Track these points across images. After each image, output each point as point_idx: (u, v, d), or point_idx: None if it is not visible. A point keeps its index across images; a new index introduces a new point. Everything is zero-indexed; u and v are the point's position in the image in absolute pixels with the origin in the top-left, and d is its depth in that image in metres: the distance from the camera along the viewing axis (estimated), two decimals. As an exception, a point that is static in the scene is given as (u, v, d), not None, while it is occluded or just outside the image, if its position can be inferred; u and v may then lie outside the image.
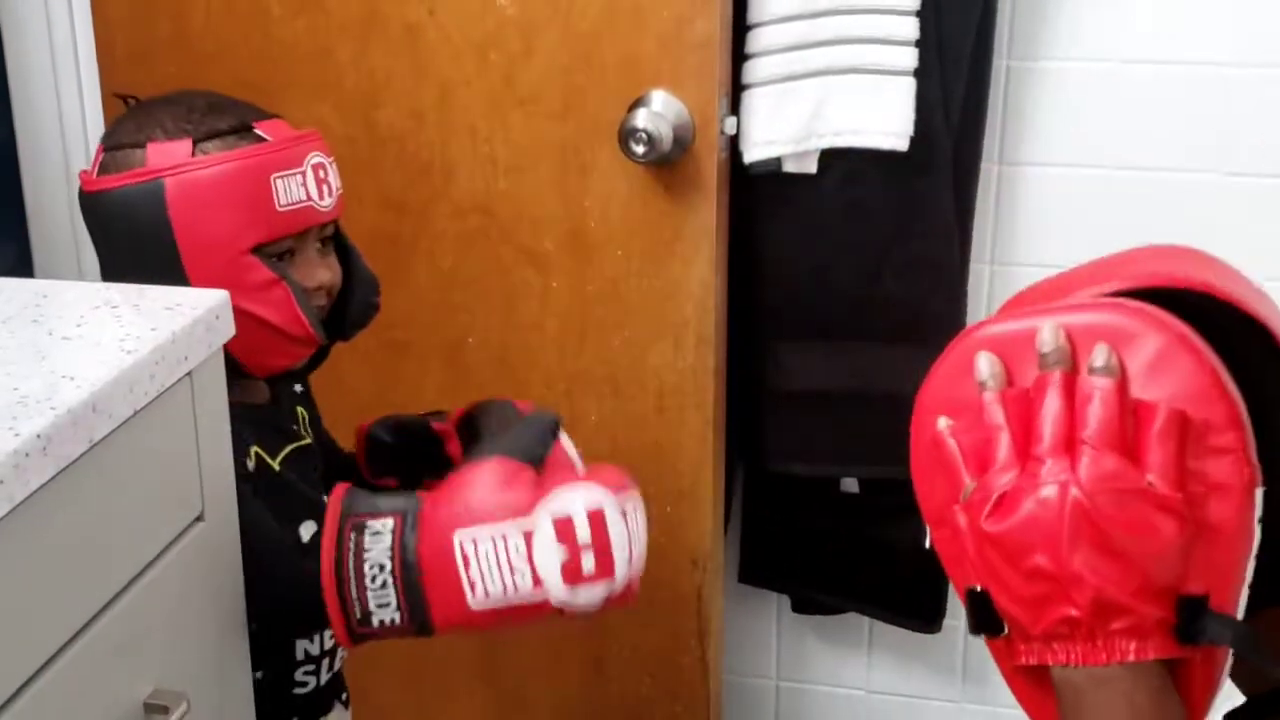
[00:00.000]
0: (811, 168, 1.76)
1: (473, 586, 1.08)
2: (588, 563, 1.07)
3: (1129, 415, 0.84)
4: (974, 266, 1.88)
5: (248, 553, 1.16)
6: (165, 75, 1.83)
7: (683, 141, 1.67)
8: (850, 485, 1.97)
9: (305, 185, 1.24)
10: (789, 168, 1.76)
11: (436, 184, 1.79)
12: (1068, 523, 0.82)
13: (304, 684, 1.36)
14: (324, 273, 1.30)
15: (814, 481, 1.93)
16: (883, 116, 1.72)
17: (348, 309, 1.34)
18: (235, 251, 1.21)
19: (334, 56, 1.77)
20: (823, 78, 1.71)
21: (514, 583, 1.07)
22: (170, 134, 1.23)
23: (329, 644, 1.37)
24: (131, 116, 1.27)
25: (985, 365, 0.88)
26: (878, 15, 1.68)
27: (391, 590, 1.08)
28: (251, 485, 1.24)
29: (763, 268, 1.83)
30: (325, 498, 1.18)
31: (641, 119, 1.65)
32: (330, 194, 1.27)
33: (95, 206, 1.25)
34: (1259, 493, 0.86)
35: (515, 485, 1.09)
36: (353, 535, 1.09)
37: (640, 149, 1.65)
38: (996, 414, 0.86)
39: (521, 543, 1.07)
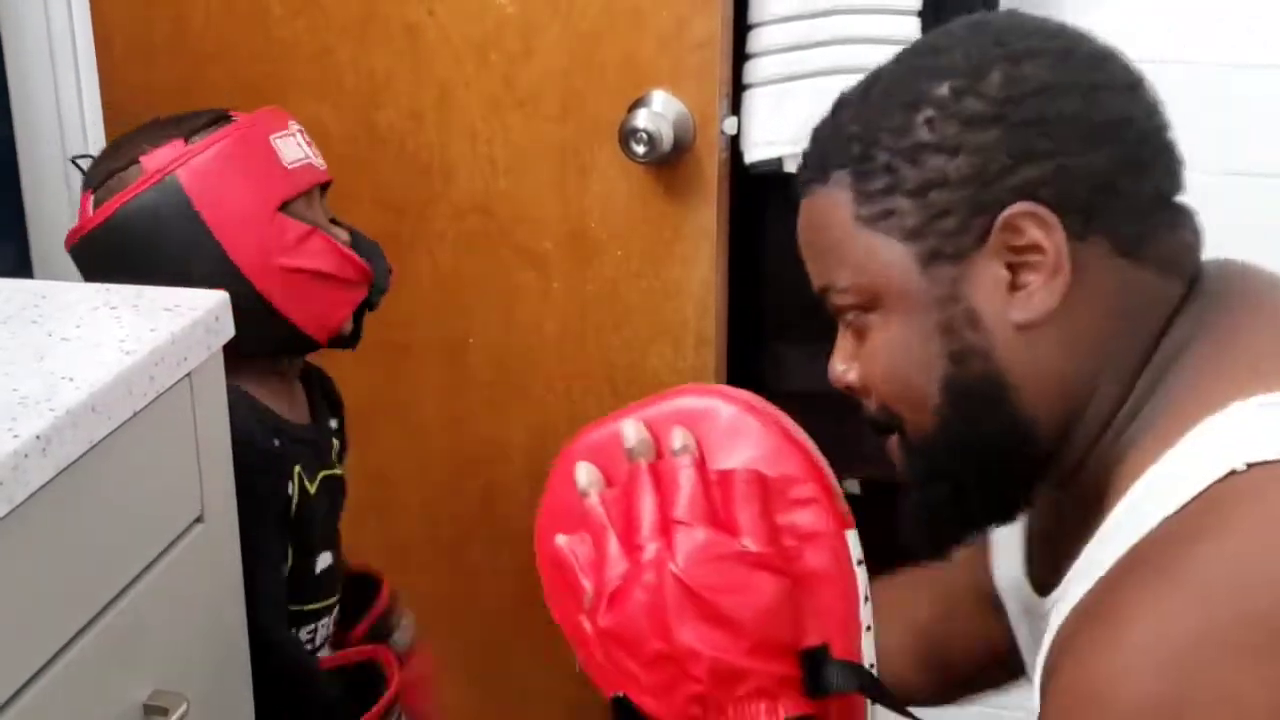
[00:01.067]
0: (812, 168, 1.76)
1: None
2: None
3: (713, 487, 0.87)
4: (974, 267, 1.87)
5: (274, 665, 1.22)
6: (164, 75, 1.82)
7: (683, 142, 1.67)
8: (852, 487, 1.96)
9: (300, 145, 1.28)
10: (790, 168, 1.75)
11: (436, 184, 1.78)
12: (670, 599, 0.83)
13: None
14: (340, 232, 1.32)
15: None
16: (883, 117, 1.72)
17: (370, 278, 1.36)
18: (266, 214, 1.23)
19: (333, 56, 1.77)
20: (823, 78, 1.71)
21: None
22: (157, 143, 1.25)
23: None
24: (103, 157, 1.29)
25: (584, 474, 0.91)
26: (878, 15, 1.68)
27: None
28: (287, 514, 1.28)
29: (763, 268, 1.83)
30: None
31: (642, 119, 1.65)
32: (319, 156, 1.31)
33: (110, 233, 1.24)
34: (851, 535, 0.89)
35: None
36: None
37: (640, 149, 1.65)
38: (600, 515, 0.88)
39: None
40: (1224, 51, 1.78)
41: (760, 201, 1.80)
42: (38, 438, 0.85)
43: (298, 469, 1.30)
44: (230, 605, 1.16)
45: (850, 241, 0.93)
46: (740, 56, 1.72)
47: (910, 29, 1.68)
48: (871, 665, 0.88)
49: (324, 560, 1.34)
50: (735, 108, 1.73)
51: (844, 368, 0.97)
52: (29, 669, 0.89)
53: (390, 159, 1.79)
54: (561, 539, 0.90)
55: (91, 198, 1.28)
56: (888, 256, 0.91)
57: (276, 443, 1.27)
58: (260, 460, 1.22)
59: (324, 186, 1.32)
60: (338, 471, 1.38)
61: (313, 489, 1.32)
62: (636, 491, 0.87)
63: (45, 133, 2.01)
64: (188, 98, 1.82)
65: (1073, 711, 0.78)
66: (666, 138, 1.65)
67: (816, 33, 1.70)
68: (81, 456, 0.90)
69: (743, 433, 0.90)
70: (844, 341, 0.98)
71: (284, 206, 1.24)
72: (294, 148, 1.27)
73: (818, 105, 1.73)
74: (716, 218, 1.71)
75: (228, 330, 1.10)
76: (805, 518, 0.88)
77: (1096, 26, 1.89)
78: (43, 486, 0.86)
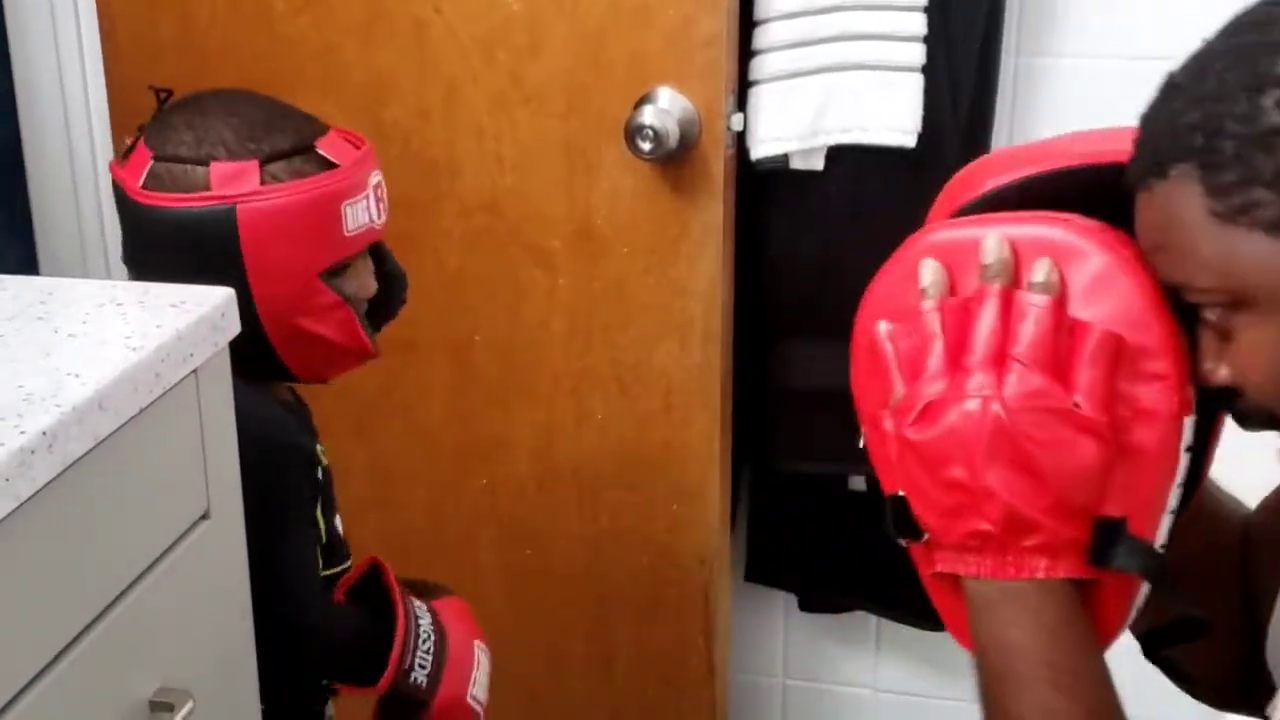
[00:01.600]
0: (818, 164, 1.76)
1: (476, 686, 1.33)
2: None
3: (1064, 333, 0.84)
4: (981, 264, 1.87)
5: (280, 586, 1.22)
6: (170, 73, 1.82)
7: (689, 139, 1.67)
8: (858, 483, 1.96)
9: (369, 209, 1.25)
10: (796, 165, 1.75)
11: (443, 182, 1.78)
12: (986, 437, 0.82)
13: None
14: (372, 281, 1.31)
15: (821, 479, 1.93)
16: (890, 113, 1.71)
17: (380, 304, 1.35)
18: (306, 277, 1.21)
19: (340, 54, 1.77)
20: (829, 74, 1.71)
21: None
22: (234, 154, 1.21)
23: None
24: (184, 124, 1.23)
25: (928, 273, 0.88)
26: (885, 11, 1.68)
27: (430, 658, 1.28)
28: (321, 488, 1.30)
29: (770, 265, 1.83)
30: None
31: (648, 116, 1.65)
32: (385, 210, 1.29)
33: (149, 218, 1.22)
34: (1188, 422, 0.86)
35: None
36: (408, 601, 1.30)
37: (647, 146, 1.65)
38: (933, 323, 0.86)
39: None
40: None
41: (766, 198, 1.79)
42: (44, 434, 0.85)
43: (319, 448, 1.32)
44: (236, 601, 1.16)
45: (1207, 239, 0.84)
46: (746, 53, 1.72)
47: (916, 24, 1.68)
48: (1162, 547, 0.86)
49: (339, 523, 1.37)
50: (741, 104, 1.73)
51: (1213, 365, 0.89)
52: (36, 665, 0.89)
53: (397, 157, 1.78)
54: (884, 326, 0.89)
55: (150, 159, 1.23)
56: (1253, 252, 0.83)
57: (305, 439, 1.29)
58: (298, 457, 1.25)
59: None
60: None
61: (326, 460, 1.34)
62: (981, 312, 0.85)
63: (51, 131, 2.01)
64: (194, 95, 1.82)
65: None
66: (673, 135, 1.64)
67: (822, 29, 1.70)
68: (88, 453, 0.90)
69: (1112, 286, 0.85)
70: (1208, 340, 0.89)
71: (325, 272, 1.22)
72: (361, 212, 1.24)
73: (823, 101, 1.75)
74: (723, 214, 1.71)
75: (234, 327, 1.09)
76: (1148, 393, 0.85)
77: (1105, 22, 1.89)
78: (49, 483, 0.86)
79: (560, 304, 1.79)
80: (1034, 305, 0.84)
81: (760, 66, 1.72)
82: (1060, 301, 0.85)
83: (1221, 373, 0.88)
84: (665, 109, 1.65)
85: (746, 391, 1.87)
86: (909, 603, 1.99)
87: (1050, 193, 0.93)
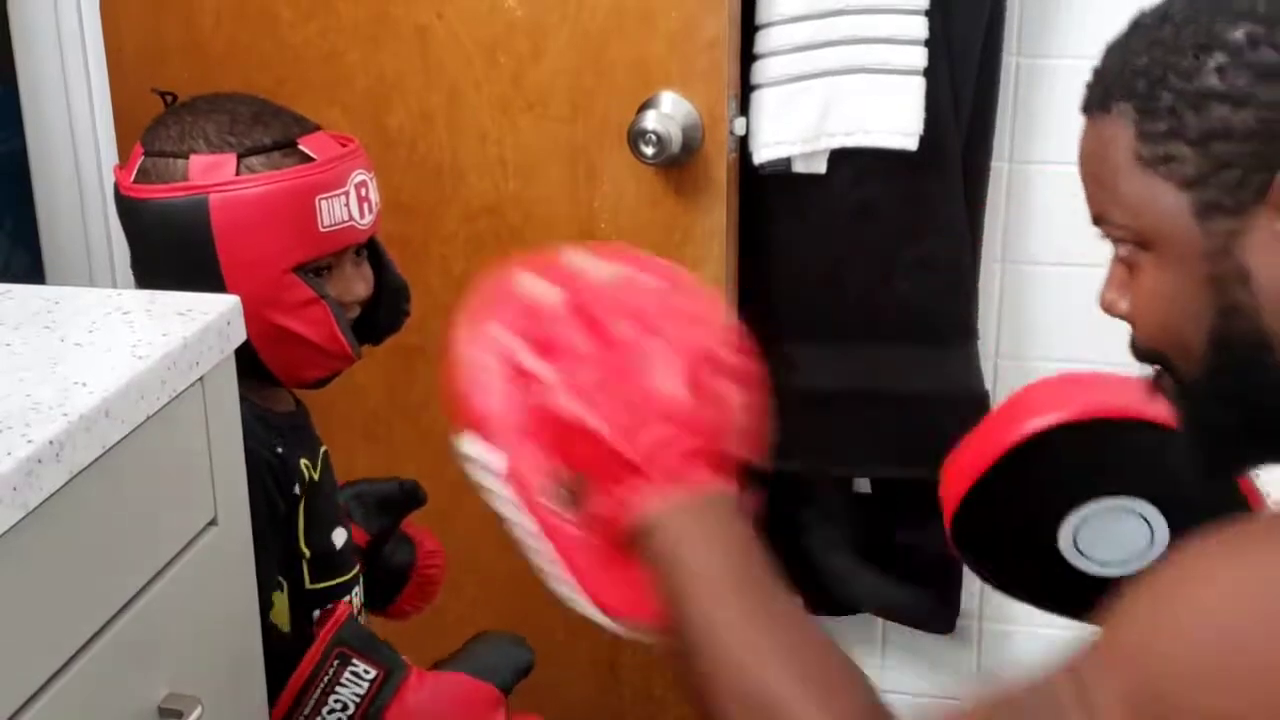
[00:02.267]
0: (821, 168, 1.76)
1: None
2: None
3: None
4: (984, 265, 1.87)
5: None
6: (176, 80, 1.82)
7: (692, 143, 1.67)
8: (862, 485, 1.96)
9: (348, 205, 1.23)
10: (799, 168, 1.76)
11: (446, 187, 1.79)
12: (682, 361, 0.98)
13: None
14: (361, 286, 1.30)
15: (827, 481, 1.93)
16: (892, 116, 1.72)
17: (379, 315, 1.34)
18: (277, 270, 1.20)
19: (344, 59, 1.78)
20: (832, 78, 1.71)
21: None
22: (214, 146, 1.21)
23: None
24: (174, 120, 1.25)
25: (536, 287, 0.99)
26: (886, 15, 1.68)
27: None
28: (300, 501, 1.28)
29: (773, 268, 1.83)
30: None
31: (651, 120, 1.65)
32: (370, 210, 1.27)
33: (134, 212, 1.24)
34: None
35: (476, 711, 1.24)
36: (336, 663, 1.22)
37: (650, 150, 1.65)
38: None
39: None
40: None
41: (770, 201, 1.80)
42: (51, 443, 0.85)
43: (304, 462, 1.30)
44: (244, 607, 1.16)
45: (1128, 180, 0.91)
46: (749, 57, 1.72)
47: (919, 28, 1.68)
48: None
49: (339, 536, 1.35)
50: (744, 108, 1.73)
51: (1114, 296, 0.96)
52: (45, 672, 0.89)
53: (401, 161, 1.79)
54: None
55: (141, 155, 1.25)
56: (1164, 202, 0.89)
57: (280, 450, 1.27)
58: (253, 462, 1.22)
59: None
60: (324, 447, 1.38)
61: (317, 474, 1.32)
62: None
63: (56, 140, 2.01)
64: (198, 102, 1.82)
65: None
66: (675, 139, 1.65)
67: (825, 33, 1.70)
68: (95, 461, 0.90)
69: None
70: (1116, 270, 0.96)
71: (300, 266, 1.22)
72: (339, 209, 1.22)
73: (826, 105, 1.76)
74: (726, 218, 1.71)
75: (239, 334, 1.10)
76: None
77: (1106, 23, 1.89)
78: (56, 491, 0.87)
79: (564, 308, 1.79)
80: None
81: (763, 70, 1.72)
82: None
83: (1122, 305, 0.94)
84: (668, 113, 1.66)
85: (751, 394, 1.87)
86: (914, 605, 2.00)
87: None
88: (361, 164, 1.26)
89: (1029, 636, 2.03)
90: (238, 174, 1.20)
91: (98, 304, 1.10)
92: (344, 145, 1.26)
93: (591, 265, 0.98)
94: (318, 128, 1.28)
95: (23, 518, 0.83)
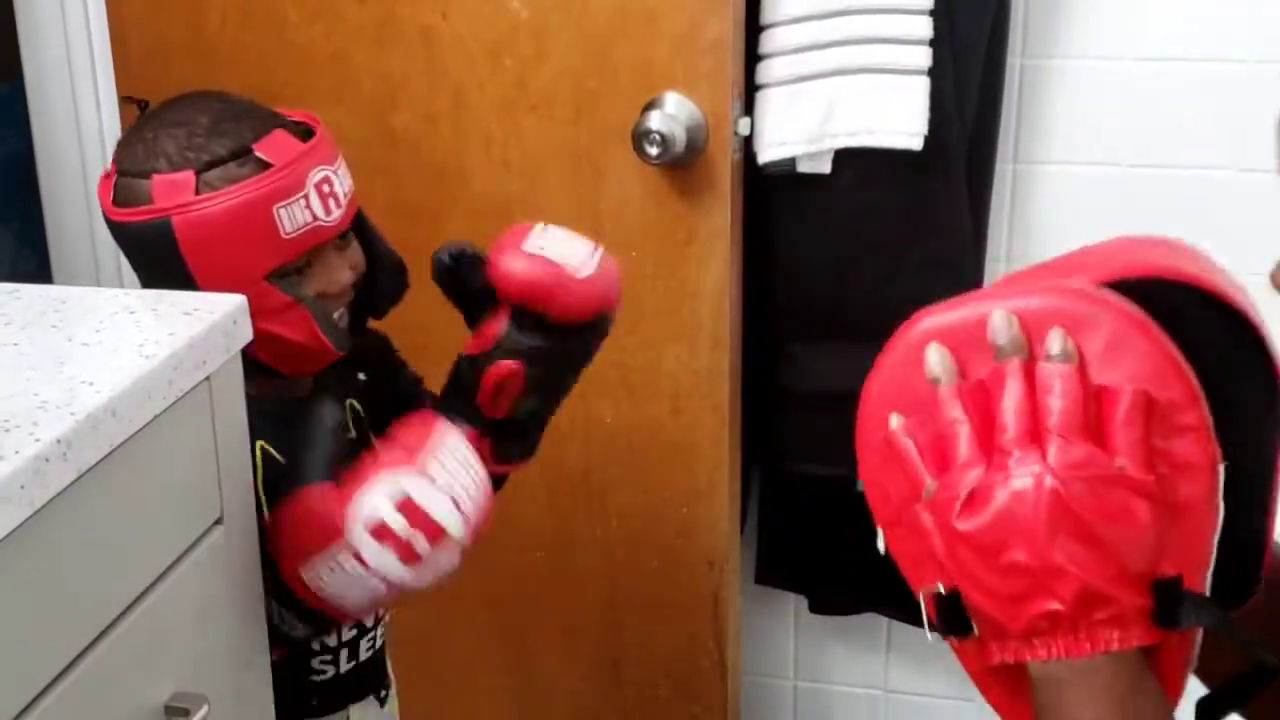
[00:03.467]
0: (826, 168, 1.76)
1: (344, 607, 1.19)
2: (420, 544, 1.15)
3: (1092, 400, 0.83)
4: (989, 265, 1.87)
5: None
6: (181, 81, 1.82)
7: (696, 143, 1.67)
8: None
9: (310, 207, 1.23)
10: (803, 168, 1.76)
11: (451, 188, 1.79)
12: (1045, 514, 0.80)
13: (321, 672, 1.38)
14: (345, 274, 1.30)
15: (831, 482, 1.93)
16: (897, 116, 1.72)
17: (375, 288, 1.35)
18: (249, 281, 1.20)
19: (349, 61, 1.78)
20: (836, 78, 1.71)
21: (372, 590, 1.16)
22: (174, 164, 1.22)
23: (347, 636, 1.38)
24: (137, 138, 1.26)
25: (937, 359, 0.86)
26: (891, 15, 1.68)
27: (289, 616, 1.22)
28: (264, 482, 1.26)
29: (777, 268, 1.83)
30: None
31: (655, 121, 1.65)
32: (339, 205, 1.25)
33: (115, 232, 1.27)
34: (1221, 469, 0.85)
35: (320, 513, 1.16)
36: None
37: (654, 151, 1.66)
38: (954, 408, 0.84)
39: (354, 562, 1.15)
40: (1237, 48, 1.77)
41: (775, 201, 1.80)
42: (58, 442, 0.86)
43: (261, 443, 1.27)
44: (250, 605, 1.16)
45: None
46: (753, 57, 1.72)
47: (924, 28, 1.69)
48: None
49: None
50: (749, 108, 1.73)
51: None
52: (51, 671, 0.89)
53: (406, 162, 1.79)
54: (896, 419, 0.86)
55: (114, 174, 1.26)
56: None
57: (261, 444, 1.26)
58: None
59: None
60: (349, 435, 1.35)
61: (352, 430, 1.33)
62: (1005, 390, 0.83)
63: (63, 140, 2.02)
64: (204, 103, 1.82)
65: None
66: (680, 139, 1.65)
67: (830, 33, 1.70)
68: (102, 460, 0.91)
69: (1128, 347, 0.84)
70: None
71: (273, 273, 1.22)
72: (300, 213, 1.22)
73: (831, 105, 1.76)
74: (730, 219, 1.72)
75: (245, 334, 1.10)
76: (1183, 446, 0.83)
77: (1110, 24, 1.89)
78: (63, 490, 0.87)
79: (569, 308, 1.79)
80: (1059, 375, 0.83)
81: (767, 70, 1.72)
82: (1082, 369, 0.83)
83: None
84: (672, 114, 1.66)
85: (756, 394, 1.87)
86: (919, 604, 2.00)
87: None
88: (321, 159, 1.24)
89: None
90: (197, 192, 1.20)
91: (104, 303, 1.11)
92: (304, 141, 1.25)
93: (1004, 330, 0.85)
94: (280, 124, 1.26)
95: (30, 516, 0.84)
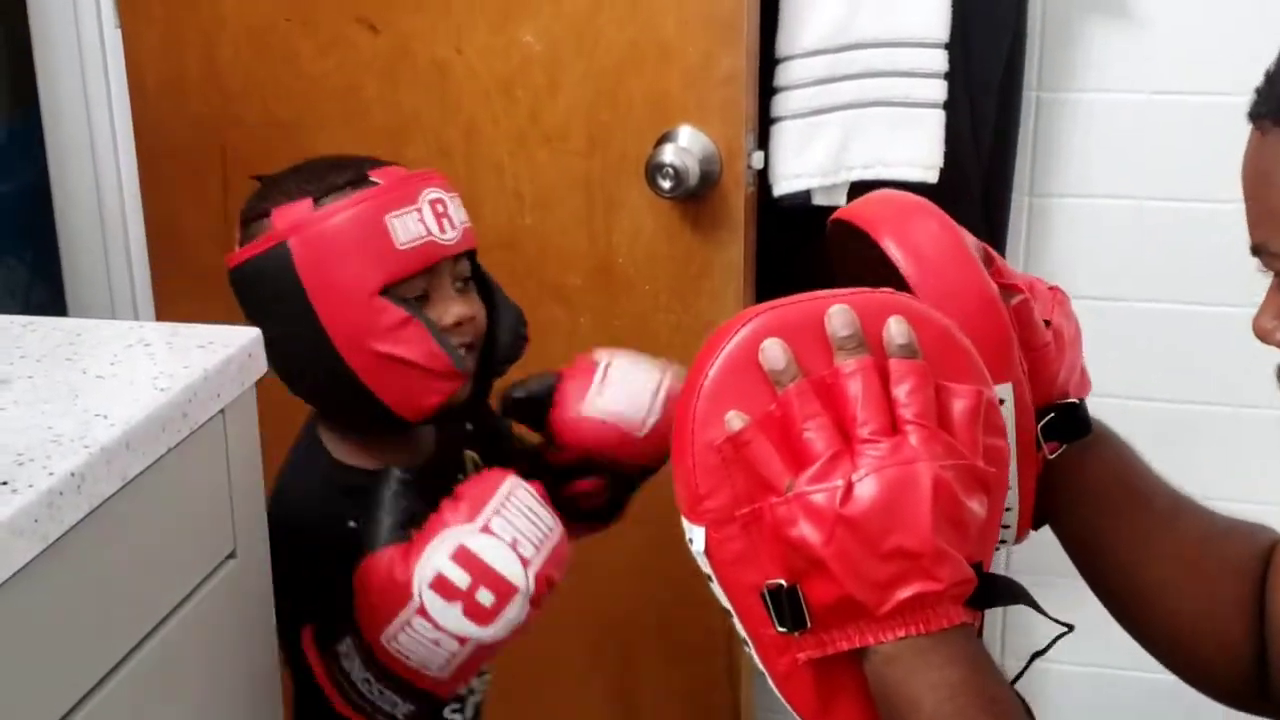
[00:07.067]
0: (841, 200, 1.76)
1: (423, 670, 1.16)
2: (484, 597, 1.13)
3: (934, 394, 0.84)
4: (1003, 299, 1.87)
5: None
6: (196, 113, 1.84)
7: (709, 176, 1.67)
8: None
9: (423, 221, 1.23)
10: (818, 201, 1.76)
11: (465, 220, 1.79)
12: (929, 501, 0.81)
13: None
14: (459, 307, 1.28)
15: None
16: (912, 149, 1.72)
17: (495, 344, 1.33)
18: (365, 295, 1.20)
19: (362, 93, 1.79)
20: (851, 110, 1.72)
21: (450, 652, 1.15)
22: (292, 196, 1.23)
23: (474, 683, 1.38)
24: (258, 191, 1.28)
25: (779, 353, 0.85)
26: (906, 48, 1.69)
27: (388, 693, 1.18)
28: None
29: (791, 301, 1.83)
30: None
31: (668, 154, 1.66)
32: (453, 227, 1.25)
33: (236, 280, 1.26)
34: (1013, 462, 0.90)
35: (388, 579, 1.14)
36: (336, 667, 1.19)
37: (667, 184, 1.66)
38: (809, 403, 0.83)
39: (422, 621, 1.13)
40: (1251, 82, 1.77)
41: (788, 235, 1.80)
42: (72, 475, 0.86)
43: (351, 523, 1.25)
44: (262, 639, 1.16)
45: None
46: (768, 90, 1.73)
47: (939, 61, 1.69)
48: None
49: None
50: (763, 141, 1.74)
51: (1272, 325, 0.91)
52: (65, 704, 0.89)
53: (419, 195, 1.80)
54: (740, 419, 0.85)
55: (238, 235, 1.27)
56: None
57: (352, 524, 1.23)
58: (335, 542, 1.22)
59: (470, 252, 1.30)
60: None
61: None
62: (853, 384, 0.83)
63: (78, 172, 2.03)
64: (220, 136, 1.84)
65: None
66: (693, 173, 1.65)
67: (843, 66, 1.70)
68: (116, 493, 0.90)
69: (954, 345, 0.86)
70: (1274, 298, 0.91)
71: (387, 289, 1.21)
72: (413, 225, 1.22)
73: (845, 138, 1.76)
74: (744, 252, 1.71)
75: (260, 366, 1.10)
76: (994, 443, 0.87)
77: (1125, 58, 1.89)
78: (77, 523, 0.87)
79: (581, 342, 1.78)
80: (911, 370, 0.84)
81: (782, 103, 1.72)
82: (926, 364, 0.85)
83: (1279, 335, 0.90)
84: (685, 147, 1.66)
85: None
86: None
87: None
88: (435, 184, 1.26)
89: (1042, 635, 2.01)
90: (313, 213, 1.22)
91: (119, 336, 1.10)
92: (419, 172, 1.27)
93: (847, 324, 0.86)
94: (396, 164, 1.28)
95: (44, 550, 0.83)
